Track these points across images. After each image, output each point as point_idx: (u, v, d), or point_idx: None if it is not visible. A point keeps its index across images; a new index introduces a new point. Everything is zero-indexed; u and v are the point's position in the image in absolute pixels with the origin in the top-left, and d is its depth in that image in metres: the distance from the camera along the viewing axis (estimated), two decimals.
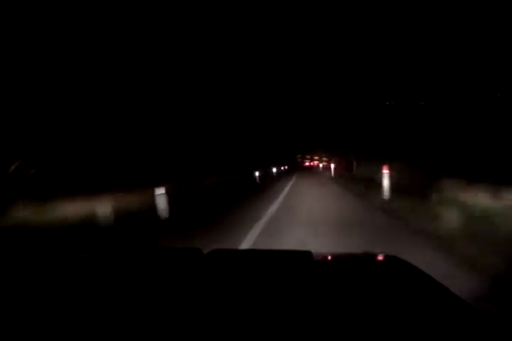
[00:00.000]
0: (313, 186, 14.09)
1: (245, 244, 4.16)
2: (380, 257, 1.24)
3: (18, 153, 6.73)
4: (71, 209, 5.38)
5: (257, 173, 17.35)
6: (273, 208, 7.38)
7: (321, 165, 32.88)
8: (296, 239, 4.35)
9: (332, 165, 19.35)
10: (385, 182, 7.92)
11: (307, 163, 48.49)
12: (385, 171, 7.96)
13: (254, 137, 25.88)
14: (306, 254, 1.11)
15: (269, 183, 16.21)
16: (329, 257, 1.32)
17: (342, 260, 1.28)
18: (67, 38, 8.24)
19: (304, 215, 6.38)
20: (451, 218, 4.59)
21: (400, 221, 5.42)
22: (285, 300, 0.76)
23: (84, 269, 1.07)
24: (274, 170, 26.41)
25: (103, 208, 4.98)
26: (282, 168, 34.13)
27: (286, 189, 12.67)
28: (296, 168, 40.19)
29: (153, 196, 5.74)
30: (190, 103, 14.18)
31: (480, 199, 4.94)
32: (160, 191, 5.79)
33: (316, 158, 34.86)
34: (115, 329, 0.64)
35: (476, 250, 3.41)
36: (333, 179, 17.52)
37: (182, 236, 4.54)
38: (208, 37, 14.90)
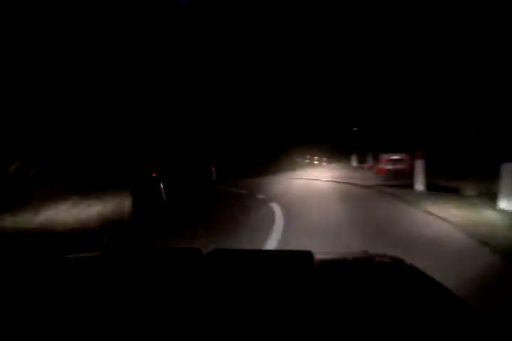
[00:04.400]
0: None
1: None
2: (381, 258, 1.24)
3: (20, 153, 6.73)
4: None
5: None
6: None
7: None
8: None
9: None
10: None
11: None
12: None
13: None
14: (307, 254, 1.10)
15: None
16: (329, 258, 1.32)
17: (342, 261, 1.28)
18: (67, 37, 8.24)
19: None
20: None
21: None
22: (285, 300, 0.76)
23: (83, 269, 1.07)
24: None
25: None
26: None
27: None
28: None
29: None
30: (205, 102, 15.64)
31: None
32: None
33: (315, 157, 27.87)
34: (115, 329, 0.64)
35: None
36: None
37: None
38: (208, 36, 14.90)
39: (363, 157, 17.14)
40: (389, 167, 11.32)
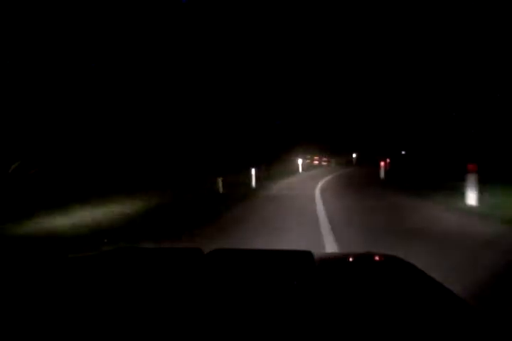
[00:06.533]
0: None
1: None
2: (380, 257, 1.24)
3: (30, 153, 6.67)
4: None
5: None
6: None
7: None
8: None
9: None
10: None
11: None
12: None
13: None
14: (307, 254, 1.10)
15: None
16: (329, 257, 1.32)
17: (342, 260, 1.28)
18: (68, 38, 8.23)
19: None
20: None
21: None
22: (286, 300, 0.76)
23: (84, 269, 1.07)
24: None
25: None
26: None
27: None
28: None
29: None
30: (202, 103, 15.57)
31: None
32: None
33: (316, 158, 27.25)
34: (115, 330, 0.64)
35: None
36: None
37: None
38: (208, 36, 14.90)
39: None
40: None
